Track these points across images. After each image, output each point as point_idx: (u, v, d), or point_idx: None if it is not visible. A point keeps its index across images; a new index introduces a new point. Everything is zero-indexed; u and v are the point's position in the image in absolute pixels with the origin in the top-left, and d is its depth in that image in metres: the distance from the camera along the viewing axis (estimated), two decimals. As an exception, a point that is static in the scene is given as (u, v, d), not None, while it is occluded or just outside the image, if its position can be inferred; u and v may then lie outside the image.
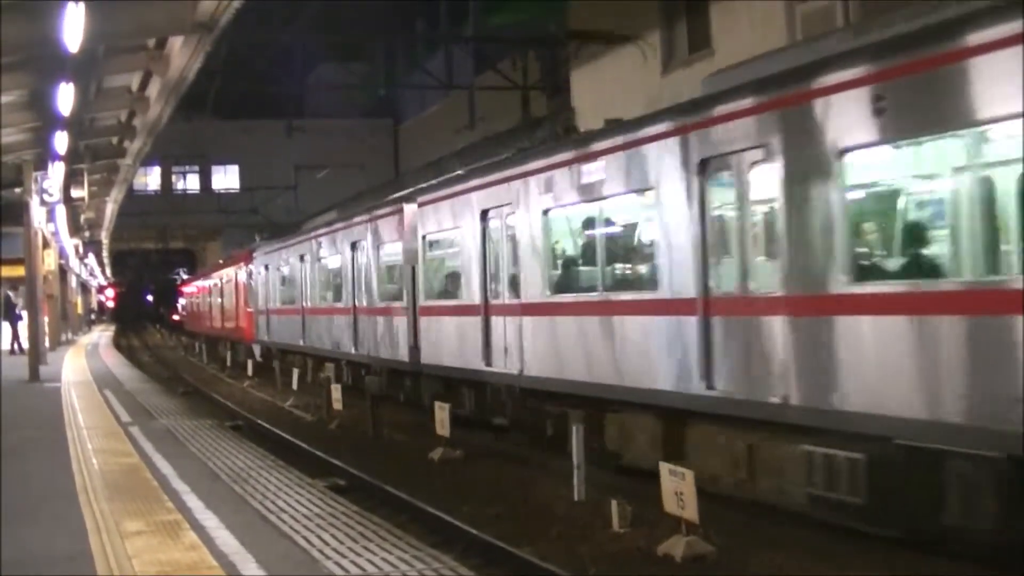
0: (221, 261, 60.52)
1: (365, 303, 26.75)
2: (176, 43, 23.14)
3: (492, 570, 11.70)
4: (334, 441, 22.10)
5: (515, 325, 18.07)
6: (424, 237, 22.21)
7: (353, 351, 27.57)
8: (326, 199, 55.10)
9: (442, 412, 18.92)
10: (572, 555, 12.24)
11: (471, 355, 19.67)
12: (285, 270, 37.20)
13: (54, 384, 28.83)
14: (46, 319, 40.07)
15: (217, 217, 73.03)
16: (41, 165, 32.14)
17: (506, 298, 18.65)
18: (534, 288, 17.48)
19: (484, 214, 19.35)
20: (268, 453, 16.96)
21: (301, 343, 33.86)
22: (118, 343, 70.17)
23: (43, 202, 33.12)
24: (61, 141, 27.09)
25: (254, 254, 43.40)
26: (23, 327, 39.41)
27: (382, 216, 25.43)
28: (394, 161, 73.42)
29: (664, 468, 12.09)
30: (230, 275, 50.87)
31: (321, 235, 31.74)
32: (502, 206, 18.58)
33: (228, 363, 47.52)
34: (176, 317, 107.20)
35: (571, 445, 14.95)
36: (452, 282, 21.32)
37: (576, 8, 34.07)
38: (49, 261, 44.96)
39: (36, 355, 31.80)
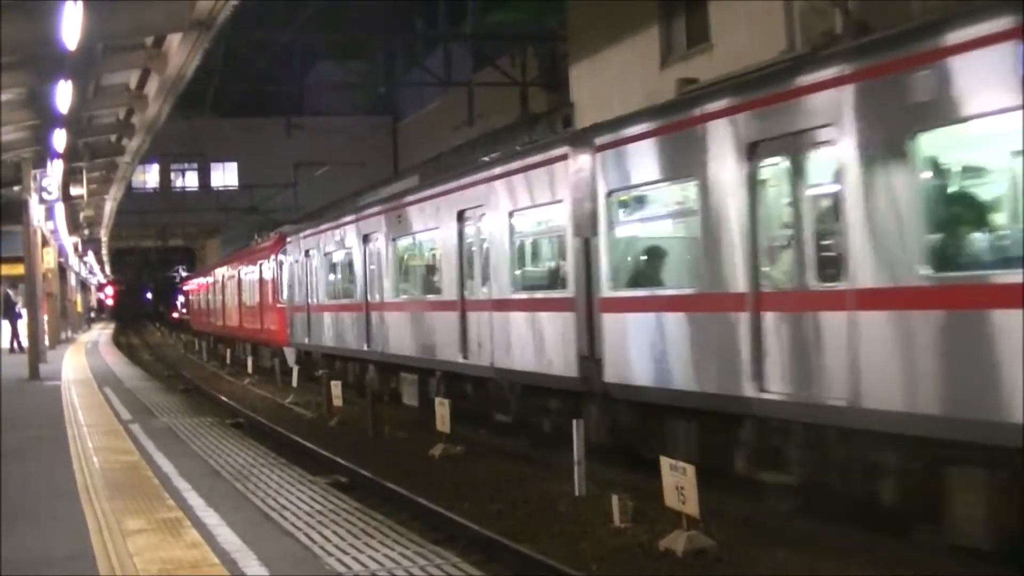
0: (238, 251, 54.20)
1: (486, 294, 19.20)
2: (174, 41, 23.11)
3: (494, 566, 11.70)
4: (335, 438, 22.10)
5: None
6: (610, 195, 15.23)
7: (461, 358, 20.29)
8: (325, 197, 55.10)
9: (442, 408, 18.90)
10: (573, 550, 12.24)
11: (722, 373, 12.88)
12: (338, 256, 29.50)
13: (54, 382, 28.82)
14: (46, 317, 40.06)
15: (216, 215, 73.03)
16: (40, 163, 32.15)
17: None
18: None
19: (752, 150, 12.40)
20: (269, 450, 16.98)
21: (364, 347, 26.29)
22: (118, 341, 70.16)
23: (42, 200, 33.14)
24: (60, 139, 27.08)
25: (287, 239, 36.11)
26: (23, 325, 39.39)
27: (516, 171, 18.13)
28: (393, 159, 73.38)
29: (665, 463, 12.08)
30: (251, 267, 44.59)
31: (403, 206, 23.77)
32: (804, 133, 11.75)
33: (227, 360, 47.51)
34: (176, 315, 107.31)
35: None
36: (671, 261, 15.11)
37: (574, 4, 34.07)
38: (48, 259, 44.96)
39: (36, 353, 31.79)
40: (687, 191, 13.69)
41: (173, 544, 9.76)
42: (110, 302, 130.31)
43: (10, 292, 43.54)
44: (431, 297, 22.22)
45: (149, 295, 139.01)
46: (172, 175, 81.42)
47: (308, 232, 32.83)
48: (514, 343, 18.02)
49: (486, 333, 19.08)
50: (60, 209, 41.01)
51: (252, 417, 26.03)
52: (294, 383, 31.94)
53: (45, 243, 41.13)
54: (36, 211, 33.37)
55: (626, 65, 30.27)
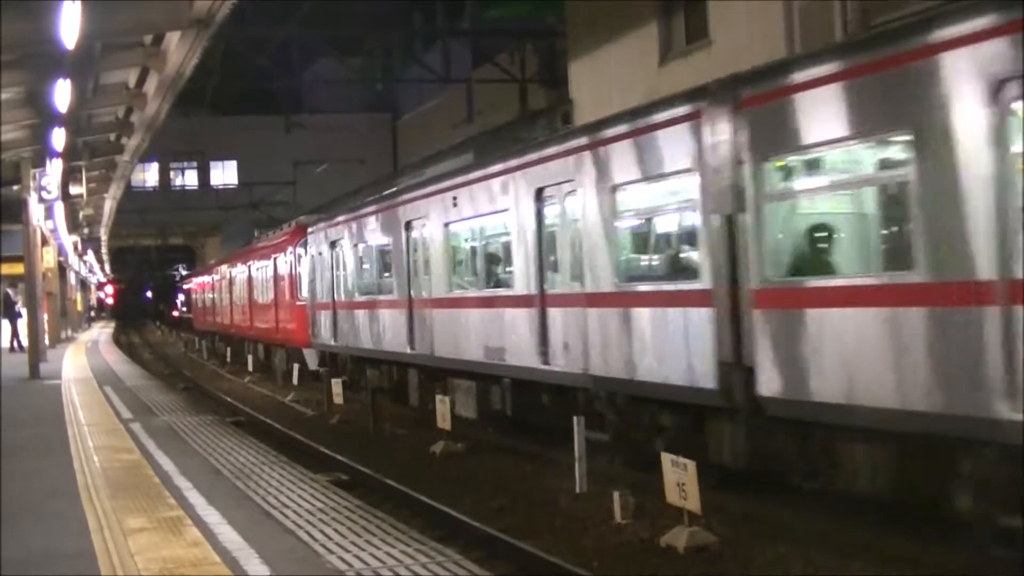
0: (247, 245, 50.54)
1: (578, 288, 15.85)
2: (173, 39, 23.10)
3: (495, 563, 11.68)
4: (336, 436, 22.10)
5: None
6: (765, 160, 12.08)
7: (540, 363, 16.96)
8: (325, 194, 55.14)
9: (443, 406, 18.89)
10: (575, 547, 12.24)
11: (955, 387, 9.87)
12: (373, 246, 25.91)
13: (54, 381, 28.81)
14: (46, 316, 40.05)
15: (216, 213, 73.09)
16: (39, 162, 32.13)
17: None
18: None
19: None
20: (270, 448, 16.96)
21: (408, 350, 22.76)
22: (118, 340, 70.17)
23: (41, 199, 33.12)
24: (59, 138, 27.05)
25: (310, 229, 32.21)
26: (23, 325, 39.39)
27: (621, 138, 14.81)
28: (393, 156, 73.44)
29: (666, 459, 12.08)
30: (264, 262, 40.99)
31: (459, 186, 20.10)
32: None
33: (228, 359, 47.50)
34: (176, 314, 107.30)
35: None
36: (874, 240, 12.02)
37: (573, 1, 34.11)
38: (48, 258, 44.94)
39: (36, 352, 31.79)
40: (894, 148, 10.79)
41: (174, 543, 9.75)
42: (110, 301, 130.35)
43: (10, 291, 43.54)
44: (497, 292, 18.93)
45: (149, 294, 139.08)
46: (171, 173, 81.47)
47: (334, 221, 29.20)
48: (619, 346, 14.73)
49: (576, 334, 15.80)
50: (59, 208, 40.99)
51: (253, 415, 26.05)
52: (295, 381, 31.93)
53: (45, 242, 41.11)
54: (36, 210, 33.36)
55: (625, 62, 30.29)
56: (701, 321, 13.02)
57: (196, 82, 30.19)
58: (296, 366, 33.14)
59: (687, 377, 13.31)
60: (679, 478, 11.82)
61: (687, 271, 13.78)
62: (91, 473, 13.79)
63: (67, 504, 11.75)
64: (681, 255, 14.23)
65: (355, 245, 27.26)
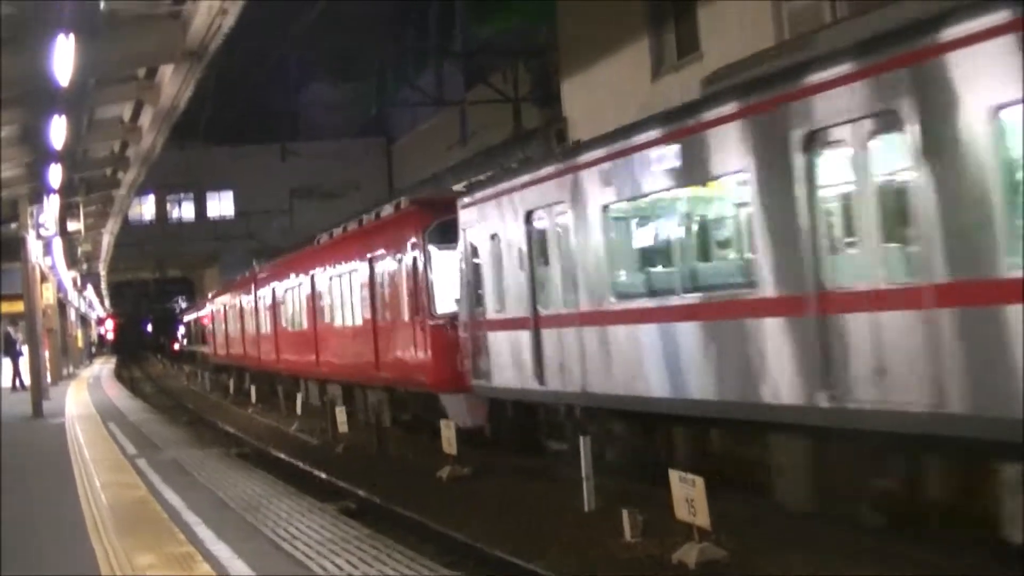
0: (307, 247, 35.66)
1: None
2: (167, 72, 23.14)
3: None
4: (342, 464, 22.04)
5: None
6: None
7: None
8: (322, 221, 55.16)
9: (448, 431, 18.84)
10: (586, 566, 12.21)
11: None
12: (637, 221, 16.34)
13: (58, 419, 28.77)
14: (47, 354, 40.02)
15: (213, 244, 73.13)
16: (36, 199, 32.13)
17: None
18: None
19: None
20: (277, 479, 16.95)
21: (709, 394, 13.70)
22: (120, 375, 70.07)
23: (40, 236, 33.15)
24: (55, 175, 27.06)
25: (466, 201, 20.77)
26: (24, 363, 39.35)
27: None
28: (388, 179, 73.49)
29: (674, 475, 12.05)
30: (346, 267, 28.73)
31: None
32: None
33: (231, 390, 47.44)
34: (177, 346, 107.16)
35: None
36: None
37: (564, 16, 34.13)
38: (48, 295, 44.96)
39: (38, 391, 31.76)
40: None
41: (185, 578, 9.73)
42: (111, 336, 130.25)
43: (10, 330, 43.53)
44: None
45: (149, 327, 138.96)
46: (168, 206, 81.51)
47: (542, 174, 17.84)
48: None
49: None
50: (58, 244, 41.01)
51: (258, 447, 25.98)
52: (298, 411, 31.88)
53: (44, 279, 41.12)
54: (34, 247, 33.37)
55: (617, 78, 30.29)
56: None
57: (190, 113, 30.20)
58: (301, 397, 32.62)
59: None
60: (687, 494, 11.80)
61: None
62: (99, 510, 13.77)
63: (76, 542, 11.72)
64: None
65: (575, 220, 16.57)
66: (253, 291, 43.17)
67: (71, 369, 61.32)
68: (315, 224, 56.40)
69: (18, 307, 37.12)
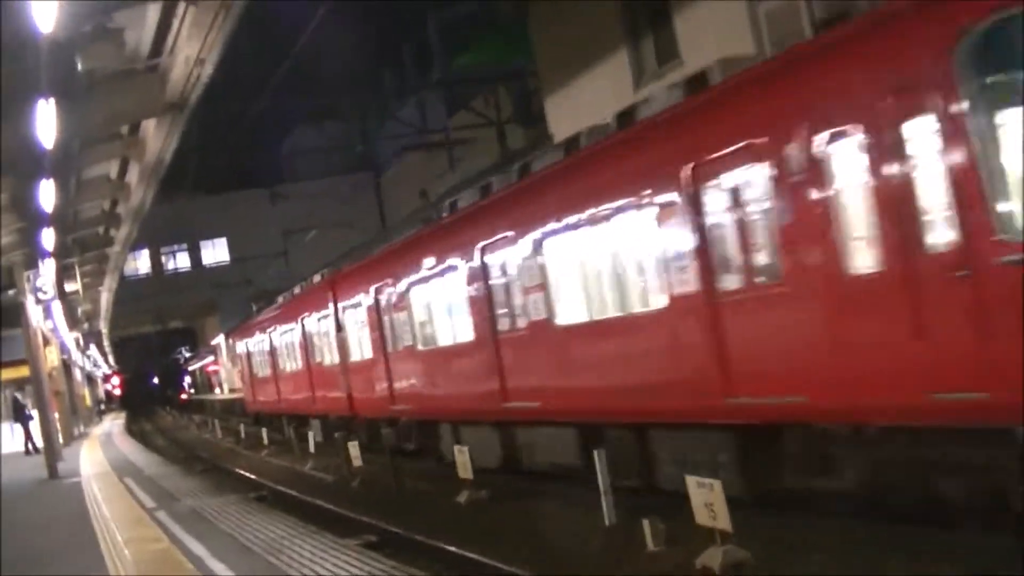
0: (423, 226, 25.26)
1: None
2: (150, 126, 23.27)
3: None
4: (359, 498, 22.04)
5: None
6: None
7: None
8: (317, 261, 55.23)
9: (462, 456, 18.86)
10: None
11: None
12: None
13: (74, 479, 28.76)
14: (56, 415, 40.04)
15: (211, 292, 73.23)
16: (31, 264, 32.20)
17: None
18: None
19: None
20: (297, 520, 16.96)
21: None
22: (131, 429, 69.97)
23: (38, 300, 33.18)
24: (48, 238, 27.17)
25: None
26: (35, 426, 39.36)
27: None
28: (380, 213, 73.60)
29: (691, 481, 12.06)
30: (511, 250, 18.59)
31: None
32: None
33: (242, 435, 47.39)
34: (184, 396, 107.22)
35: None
36: None
37: (540, 41, 34.23)
38: (52, 358, 44.97)
39: (52, 452, 31.79)
40: None
41: (216, 627, 9.76)
42: (118, 392, 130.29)
43: (18, 395, 43.55)
44: None
45: (156, 380, 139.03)
46: (163, 258, 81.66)
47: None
48: None
49: None
50: (57, 307, 41.06)
51: (275, 488, 25.95)
52: (311, 448, 31.85)
53: (47, 342, 41.16)
54: (34, 312, 33.40)
55: (599, 90, 30.36)
56: None
57: (177, 166, 30.34)
58: (311, 433, 32.69)
59: None
60: (706, 499, 11.81)
61: None
62: (124, 567, 13.78)
63: (103, 601, 11.75)
64: None
65: None
66: (298, 322, 35.94)
67: (82, 428, 61.30)
68: (310, 264, 56.59)
69: (23, 372, 37.14)
